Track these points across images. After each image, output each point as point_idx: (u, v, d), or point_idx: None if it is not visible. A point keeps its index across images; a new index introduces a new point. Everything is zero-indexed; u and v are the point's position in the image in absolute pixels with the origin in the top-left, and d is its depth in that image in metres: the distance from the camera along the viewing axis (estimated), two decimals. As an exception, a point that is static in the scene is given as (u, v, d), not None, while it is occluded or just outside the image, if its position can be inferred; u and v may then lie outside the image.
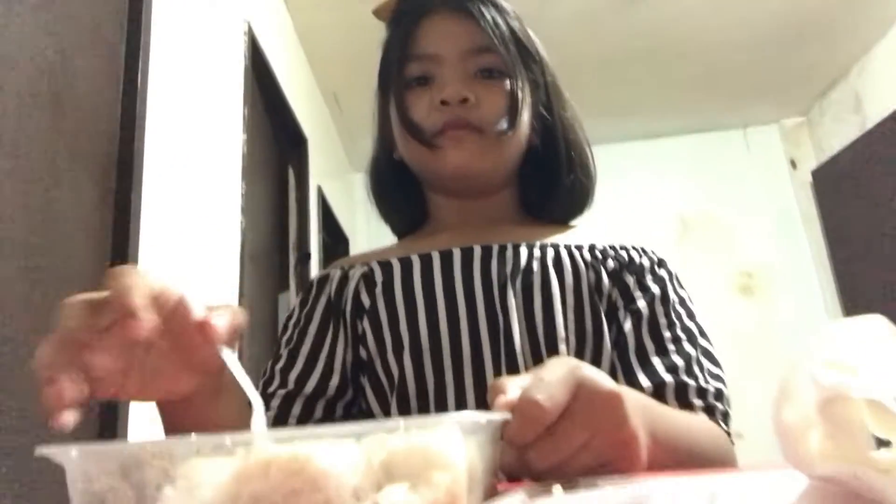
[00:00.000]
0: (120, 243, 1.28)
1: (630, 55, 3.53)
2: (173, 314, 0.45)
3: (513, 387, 0.42)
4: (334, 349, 0.73)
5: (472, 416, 0.31)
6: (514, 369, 0.67)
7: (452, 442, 0.27)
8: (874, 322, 0.28)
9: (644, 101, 4.08)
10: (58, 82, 1.17)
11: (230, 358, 0.46)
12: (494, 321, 0.70)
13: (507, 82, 0.74)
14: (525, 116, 0.76)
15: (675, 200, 4.42)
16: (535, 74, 0.79)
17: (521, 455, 0.40)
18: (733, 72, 3.81)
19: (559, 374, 0.41)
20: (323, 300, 0.77)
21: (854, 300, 3.79)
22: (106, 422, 1.19)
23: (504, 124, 0.73)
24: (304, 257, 2.88)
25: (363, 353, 0.73)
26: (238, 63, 2.14)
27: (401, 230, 0.89)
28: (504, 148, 0.75)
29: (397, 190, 0.84)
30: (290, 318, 0.78)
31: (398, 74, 0.76)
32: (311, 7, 2.90)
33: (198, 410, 0.52)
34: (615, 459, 0.41)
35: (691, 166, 4.49)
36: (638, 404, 0.46)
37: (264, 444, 0.28)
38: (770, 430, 0.28)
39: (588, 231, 0.81)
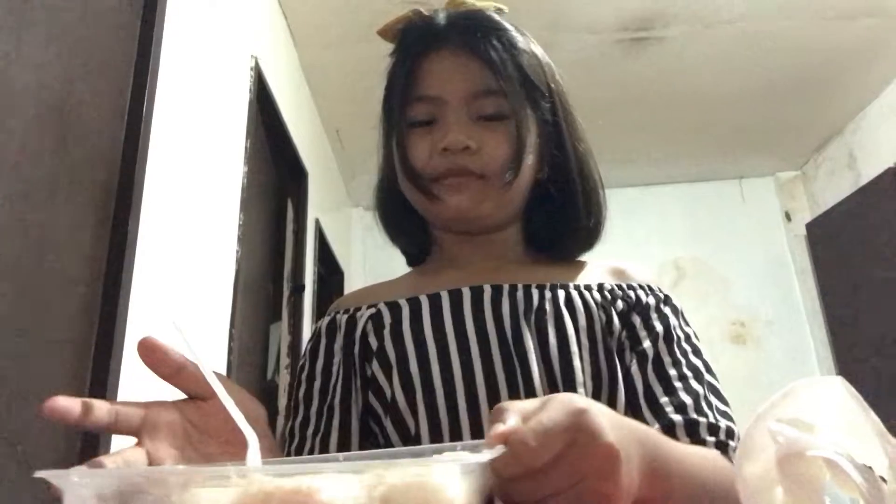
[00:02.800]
0: (115, 269, 1.28)
1: (629, 103, 3.60)
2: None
3: (512, 416, 0.41)
4: (350, 404, 0.72)
5: (470, 457, 0.31)
6: None
7: (451, 479, 0.28)
8: (833, 383, 0.28)
9: (642, 149, 4.14)
10: (64, 109, 1.19)
11: (221, 393, 0.46)
12: (510, 362, 0.68)
13: (512, 126, 0.72)
14: (529, 161, 0.75)
15: (671, 247, 4.45)
16: (545, 112, 0.77)
17: (503, 485, 0.40)
18: (731, 124, 3.88)
19: (561, 418, 0.40)
20: (337, 352, 0.75)
21: (845, 352, 3.80)
22: (86, 451, 1.17)
23: (507, 175, 0.71)
24: (299, 289, 2.88)
25: (372, 398, 0.71)
26: (243, 97, 2.17)
27: (409, 252, 0.87)
28: (506, 194, 0.73)
29: (402, 216, 0.82)
30: (302, 370, 0.77)
31: (400, 115, 0.75)
32: (318, 45, 2.96)
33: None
34: None
35: (687, 214, 4.54)
36: (645, 448, 0.45)
37: (265, 476, 0.28)
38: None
39: (593, 266, 0.79)
